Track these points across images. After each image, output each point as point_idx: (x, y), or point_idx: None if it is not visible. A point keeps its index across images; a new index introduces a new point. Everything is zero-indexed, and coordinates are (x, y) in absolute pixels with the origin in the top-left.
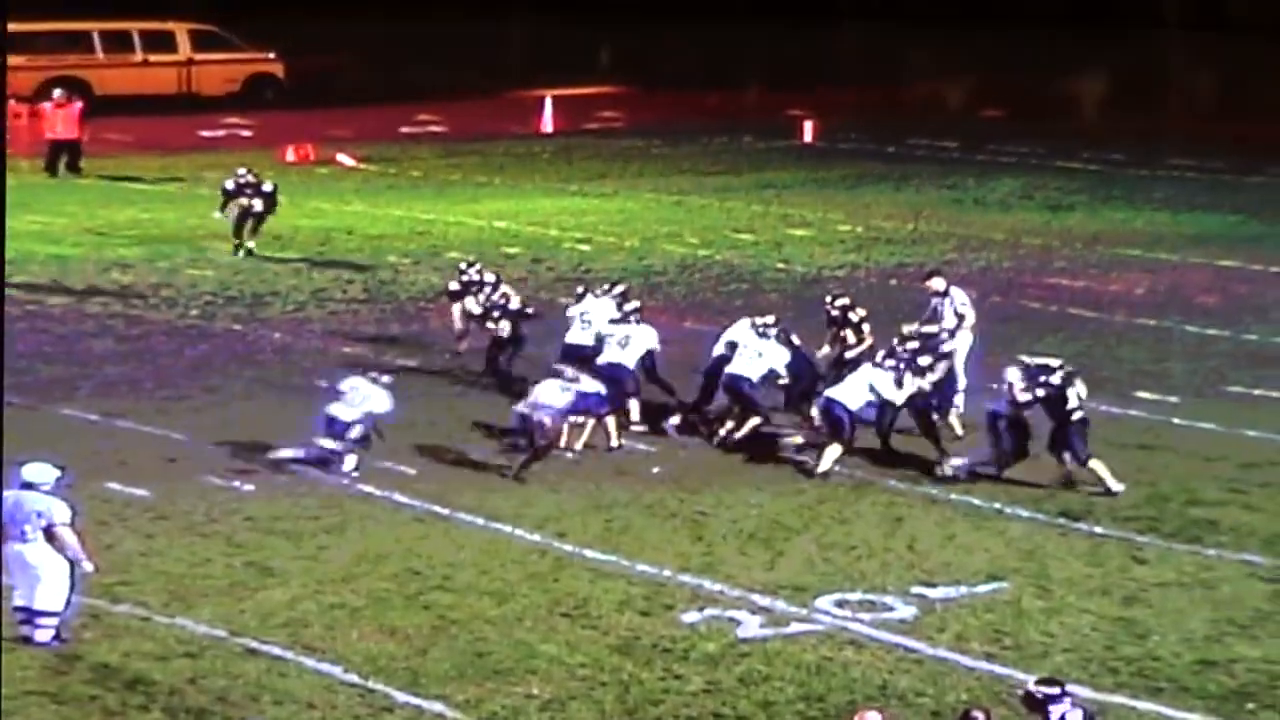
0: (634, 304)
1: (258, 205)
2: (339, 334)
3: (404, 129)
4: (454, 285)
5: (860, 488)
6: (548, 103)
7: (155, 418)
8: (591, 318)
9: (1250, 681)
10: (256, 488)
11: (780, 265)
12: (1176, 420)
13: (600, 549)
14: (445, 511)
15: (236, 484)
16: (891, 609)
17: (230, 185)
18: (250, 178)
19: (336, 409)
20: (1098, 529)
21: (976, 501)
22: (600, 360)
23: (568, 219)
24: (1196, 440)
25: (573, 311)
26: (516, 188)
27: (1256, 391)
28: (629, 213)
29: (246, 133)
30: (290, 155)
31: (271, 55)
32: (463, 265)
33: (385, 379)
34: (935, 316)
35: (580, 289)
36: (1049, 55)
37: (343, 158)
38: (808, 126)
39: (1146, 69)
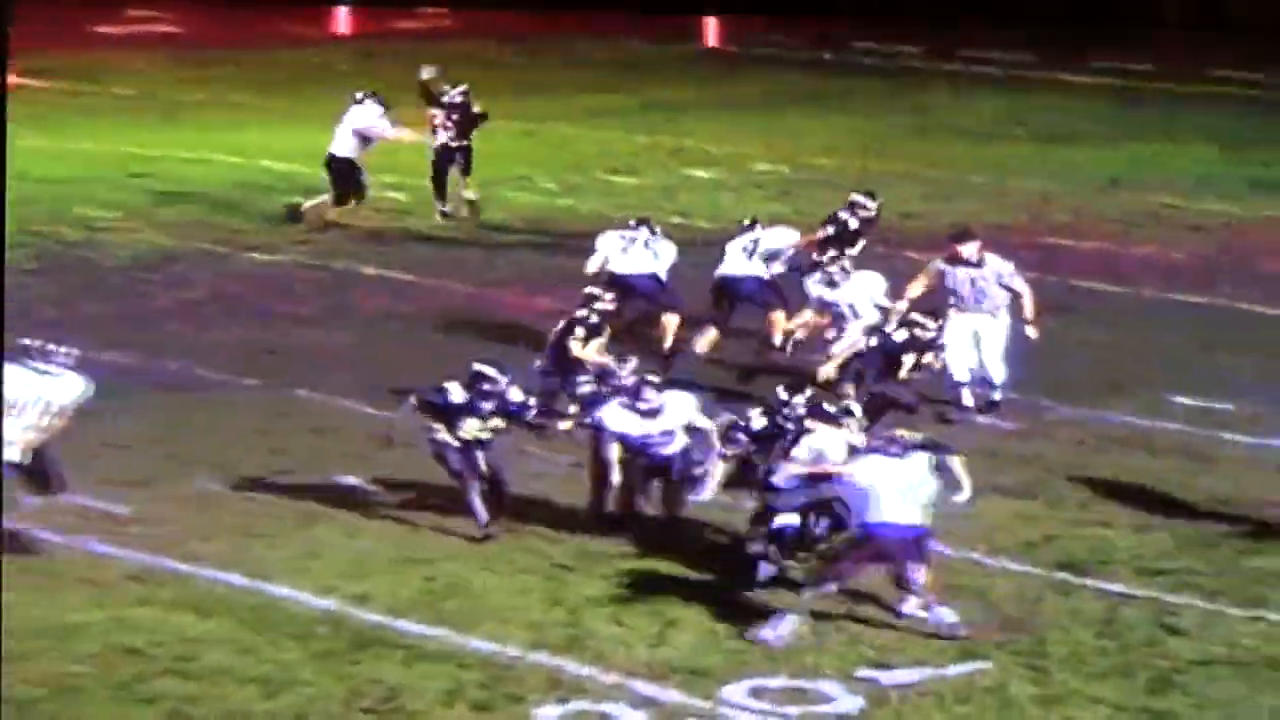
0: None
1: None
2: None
3: (104, 28)
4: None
5: None
6: None
7: None
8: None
9: None
10: None
11: (676, 219)
12: (1229, 435)
13: (419, 618)
14: (180, 566)
15: None
16: (829, 699)
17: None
18: (459, 98)
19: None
20: (1113, 586)
21: (946, 550)
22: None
23: (374, 157)
24: (1256, 461)
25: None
26: (295, 113)
27: None
28: None
29: None
30: None
31: None
32: (594, 291)
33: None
34: (974, 295)
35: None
36: None
37: None
38: (711, 25)
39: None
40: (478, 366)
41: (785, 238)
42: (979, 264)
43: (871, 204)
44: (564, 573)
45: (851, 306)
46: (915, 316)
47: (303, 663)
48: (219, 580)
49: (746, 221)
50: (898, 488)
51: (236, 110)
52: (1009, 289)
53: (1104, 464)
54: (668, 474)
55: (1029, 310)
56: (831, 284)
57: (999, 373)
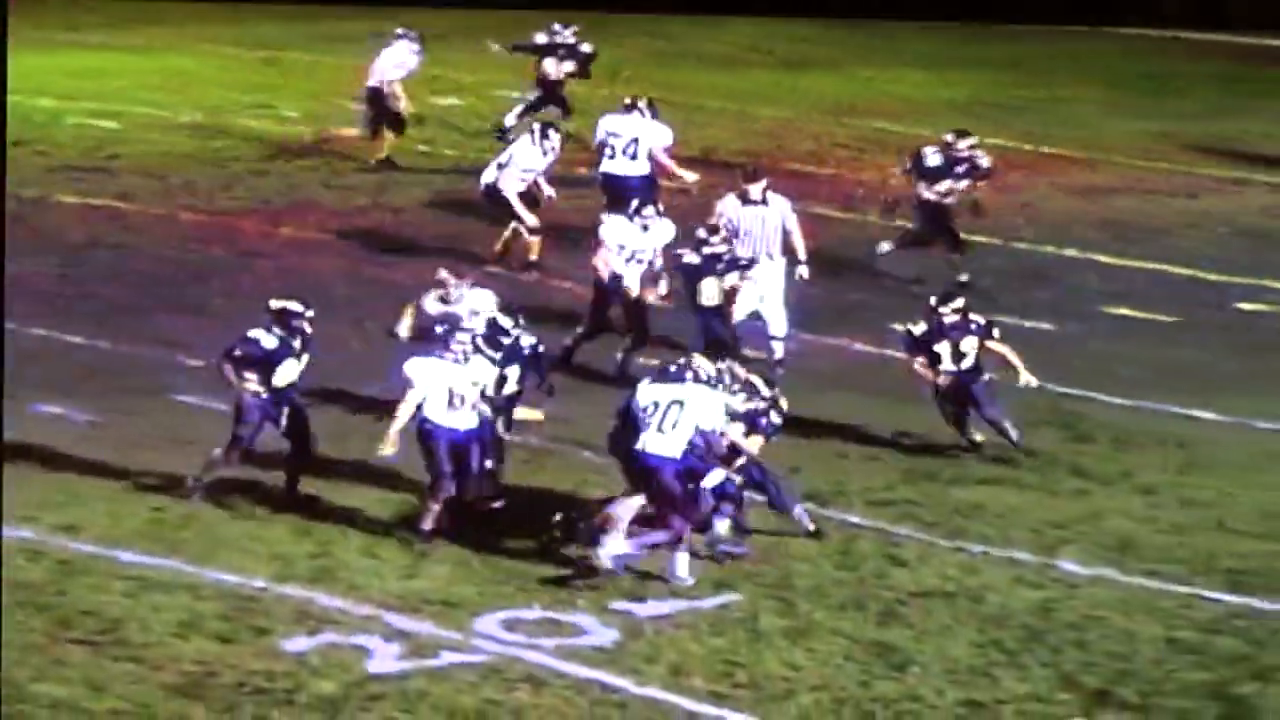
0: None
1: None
2: None
3: None
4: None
5: (540, 456)
6: None
7: None
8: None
9: None
10: None
11: (421, 148)
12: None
13: (144, 549)
14: None
15: None
16: (584, 632)
17: (543, 38)
18: (568, 35)
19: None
20: (850, 517)
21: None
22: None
23: (81, 84)
24: None
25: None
26: None
27: (1029, 323)
28: (189, 75)
29: None
30: None
31: None
32: (701, 234)
33: None
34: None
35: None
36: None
37: None
38: None
39: None
40: (279, 303)
41: (663, 136)
42: (765, 203)
43: (961, 142)
44: (312, 504)
45: (655, 251)
46: (930, 302)
47: None
48: None
49: (627, 101)
50: (645, 413)
51: None
52: (785, 228)
53: (838, 394)
54: (464, 456)
55: (802, 250)
56: (643, 229)
57: (781, 323)
